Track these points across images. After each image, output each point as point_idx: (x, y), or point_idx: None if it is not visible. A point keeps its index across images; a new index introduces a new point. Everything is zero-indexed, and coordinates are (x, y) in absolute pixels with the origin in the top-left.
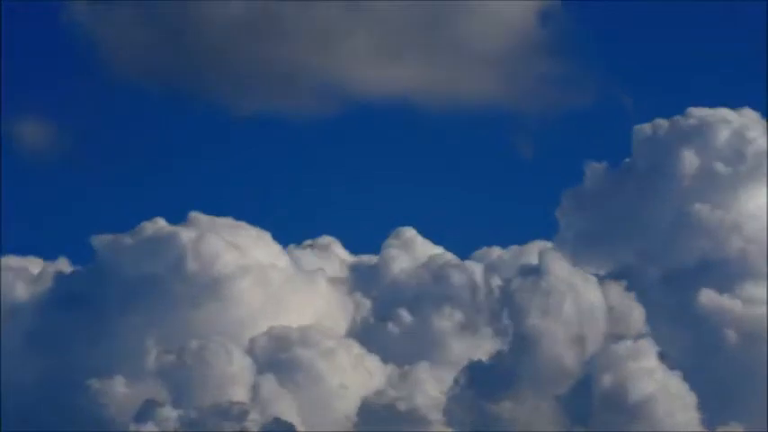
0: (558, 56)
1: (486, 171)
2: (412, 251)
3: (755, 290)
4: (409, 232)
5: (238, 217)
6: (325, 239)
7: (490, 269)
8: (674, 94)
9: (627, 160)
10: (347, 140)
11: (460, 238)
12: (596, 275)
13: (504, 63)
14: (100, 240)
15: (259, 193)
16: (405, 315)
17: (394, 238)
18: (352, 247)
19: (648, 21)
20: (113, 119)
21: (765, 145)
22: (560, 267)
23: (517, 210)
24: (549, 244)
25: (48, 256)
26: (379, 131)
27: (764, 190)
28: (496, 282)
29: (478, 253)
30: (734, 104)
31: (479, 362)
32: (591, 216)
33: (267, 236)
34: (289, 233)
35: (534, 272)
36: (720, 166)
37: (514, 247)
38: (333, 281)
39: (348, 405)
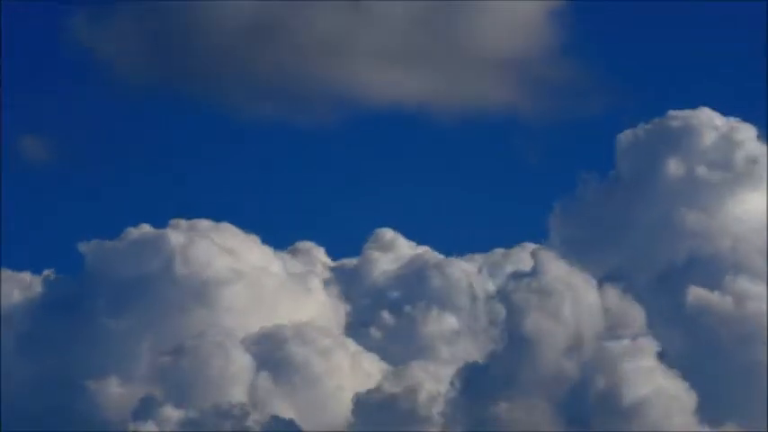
0: (568, 59)
1: (484, 174)
2: (401, 251)
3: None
4: (390, 234)
5: (220, 221)
6: (306, 244)
7: (484, 269)
8: (685, 98)
9: (612, 172)
10: (344, 146)
11: (454, 239)
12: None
13: (511, 66)
14: (88, 247)
15: (248, 197)
16: (400, 315)
17: (375, 241)
18: (343, 251)
19: (660, 23)
20: (105, 124)
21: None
22: (556, 267)
23: (513, 213)
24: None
25: (36, 268)
26: (379, 136)
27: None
28: (491, 281)
29: (472, 254)
30: (742, 108)
31: (475, 363)
32: (582, 225)
33: (256, 239)
34: (276, 237)
35: (530, 271)
36: (706, 170)
37: (513, 249)
38: (327, 282)
39: (345, 403)
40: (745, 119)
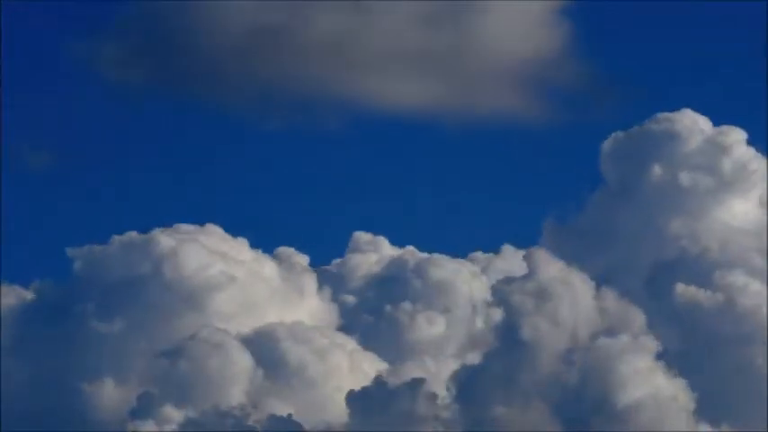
0: (576, 61)
1: (481, 179)
2: (391, 254)
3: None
4: (380, 236)
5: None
6: (289, 249)
7: (479, 271)
8: (696, 101)
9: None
10: (343, 149)
11: (448, 242)
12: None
13: (517, 69)
14: (77, 252)
15: (237, 200)
16: (394, 316)
17: (366, 243)
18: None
19: (669, 25)
20: (93, 127)
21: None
22: (552, 269)
23: (510, 217)
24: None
25: (26, 275)
26: (378, 139)
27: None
28: (486, 283)
29: (466, 255)
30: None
31: (472, 365)
32: (574, 230)
33: (245, 242)
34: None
35: (525, 272)
36: (697, 175)
37: (508, 252)
38: (320, 283)
39: (342, 401)
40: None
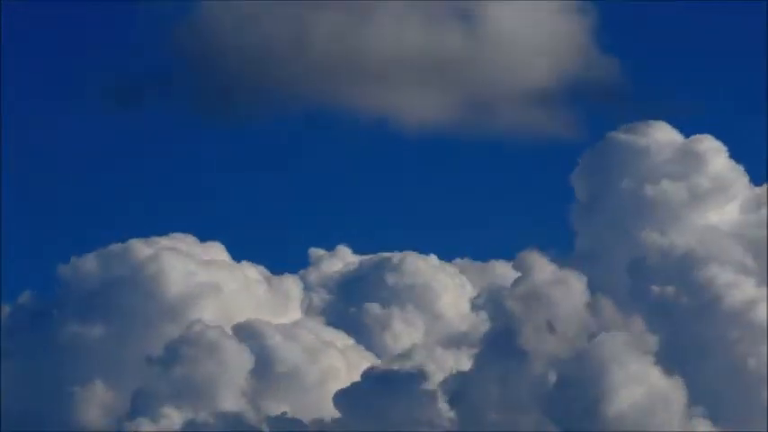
0: (598, 66)
1: (477, 186)
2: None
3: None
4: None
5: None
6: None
7: (470, 275)
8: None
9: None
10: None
11: (439, 245)
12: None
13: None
14: (65, 268)
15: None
16: (386, 318)
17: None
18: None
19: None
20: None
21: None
22: (547, 271)
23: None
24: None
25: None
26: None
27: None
28: (475, 287)
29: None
30: None
31: (464, 371)
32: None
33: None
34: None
35: (518, 275)
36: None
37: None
38: (310, 285)
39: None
40: None
